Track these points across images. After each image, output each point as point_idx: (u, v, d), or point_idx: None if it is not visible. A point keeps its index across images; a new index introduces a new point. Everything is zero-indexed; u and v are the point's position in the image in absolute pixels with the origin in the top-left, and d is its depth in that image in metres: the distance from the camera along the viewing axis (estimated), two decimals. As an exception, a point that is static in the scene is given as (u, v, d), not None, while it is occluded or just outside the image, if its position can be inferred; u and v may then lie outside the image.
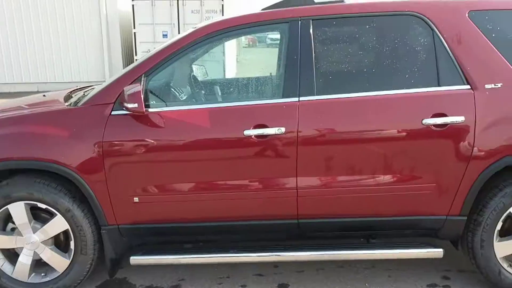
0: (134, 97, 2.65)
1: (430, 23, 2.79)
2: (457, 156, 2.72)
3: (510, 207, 2.77)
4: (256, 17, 2.91)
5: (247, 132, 2.71)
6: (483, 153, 2.71)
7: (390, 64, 2.84)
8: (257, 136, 2.72)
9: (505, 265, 2.88)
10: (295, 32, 2.82)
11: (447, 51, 2.76)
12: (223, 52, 9.19)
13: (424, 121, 2.69)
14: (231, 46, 10.77)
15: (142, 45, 11.54)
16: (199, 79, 3.69)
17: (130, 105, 2.65)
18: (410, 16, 2.83)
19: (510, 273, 2.88)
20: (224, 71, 9.52)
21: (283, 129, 2.71)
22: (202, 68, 3.82)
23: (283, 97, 2.78)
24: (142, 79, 2.79)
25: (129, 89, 2.66)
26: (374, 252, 2.88)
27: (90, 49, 12.28)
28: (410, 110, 2.73)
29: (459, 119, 2.69)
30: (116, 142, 2.73)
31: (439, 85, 2.76)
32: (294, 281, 3.12)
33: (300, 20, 2.83)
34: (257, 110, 2.78)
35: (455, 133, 2.70)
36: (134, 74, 2.83)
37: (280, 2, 3.04)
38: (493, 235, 2.82)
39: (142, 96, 2.65)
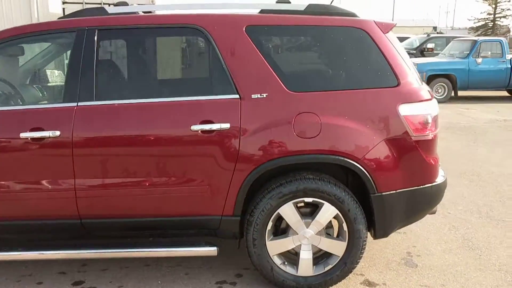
0: None
1: (209, 35, 2.99)
2: (225, 160, 2.92)
3: (278, 208, 2.98)
4: (47, 26, 3.07)
5: (23, 135, 2.84)
6: (247, 158, 2.91)
7: (169, 73, 3.03)
8: (33, 139, 2.85)
9: (278, 262, 3.09)
10: (80, 40, 2.98)
11: (222, 63, 2.97)
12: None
13: (192, 127, 2.88)
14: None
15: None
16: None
17: None
18: (192, 28, 3.03)
19: (283, 270, 3.09)
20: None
21: (57, 133, 2.86)
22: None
23: (63, 101, 2.93)
24: None
25: None
26: (151, 250, 3.04)
27: (20, 52, 12.16)
28: (180, 116, 2.92)
29: (225, 126, 2.89)
30: None
31: (212, 94, 2.97)
32: (91, 279, 3.26)
33: (87, 29, 2.99)
34: (35, 114, 2.92)
35: (222, 139, 2.90)
36: None
37: (78, 11, 3.20)
38: (265, 234, 3.02)
39: None
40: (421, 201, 3.14)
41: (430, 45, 15.09)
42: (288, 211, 3.00)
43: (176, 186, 2.96)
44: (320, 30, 3.10)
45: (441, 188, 3.20)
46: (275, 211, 2.99)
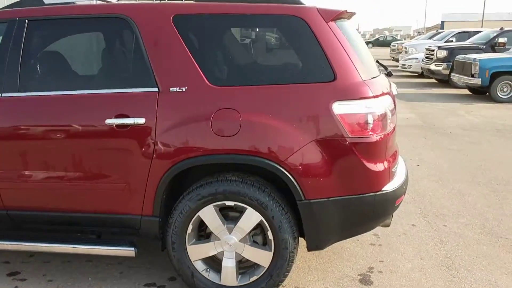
0: None
1: (134, 25, 2.84)
2: (141, 157, 2.76)
3: (198, 211, 2.78)
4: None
5: None
6: (163, 155, 2.73)
7: (91, 64, 2.93)
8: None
9: (200, 268, 2.88)
10: (10, 31, 2.97)
11: (144, 54, 2.81)
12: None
13: (106, 121, 2.75)
14: None
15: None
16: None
17: None
18: (119, 18, 2.89)
19: (205, 277, 2.88)
20: None
21: (-22, 123, 2.86)
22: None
23: (-14, 92, 2.94)
24: None
25: None
26: (70, 246, 2.93)
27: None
28: (97, 109, 2.80)
29: (140, 121, 2.73)
30: None
31: (132, 87, 2.82)
32: (28, 271, 3.26)
33: (17, 20, 2.97)
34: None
35: (137, 134, 2.75)
36: None
37: (16, 2, 3.19)
38: (185, 238, 2.83)
39: None
40: (361, 212, 2.77)
41: (502, 40, 13.75)
42: (208, 215, 2.78)
43: (93, 182, 2.85)
44: (253, 19, 2.83)
45: (388, 198, 2.80)
46: (195, 214, 2.79)
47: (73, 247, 2.93)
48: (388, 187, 2.80)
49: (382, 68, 3.52)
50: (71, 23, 2.98)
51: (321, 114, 2.65)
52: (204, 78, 2.73)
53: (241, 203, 2.73)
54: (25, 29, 2.94)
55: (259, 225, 2.79)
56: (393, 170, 2.89)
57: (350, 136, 2.64)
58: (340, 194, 2.70)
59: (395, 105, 3.22)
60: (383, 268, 3.32)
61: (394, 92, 3.28)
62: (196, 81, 2.73)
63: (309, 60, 2.75)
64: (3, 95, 2.90)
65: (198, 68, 2.75)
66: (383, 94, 2.82)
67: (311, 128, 2.65)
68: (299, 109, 2.66)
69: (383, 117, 2.74)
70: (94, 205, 2.90)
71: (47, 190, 2.91)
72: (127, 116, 2.75)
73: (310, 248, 2.82)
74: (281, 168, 2.64)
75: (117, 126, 2.75)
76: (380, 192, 2.75)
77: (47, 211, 2.97)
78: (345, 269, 3.30)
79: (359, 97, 2.66)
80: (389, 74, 3.45)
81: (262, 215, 2.72)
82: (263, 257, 2.80)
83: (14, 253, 3.47)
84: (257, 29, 2.84)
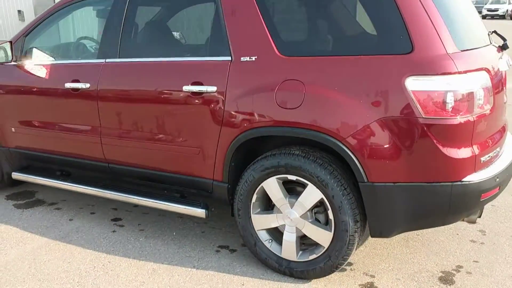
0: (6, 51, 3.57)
1: (217, -5, 2.89)
2: (212, 123, 2.85)
3: (262, 181, 2.77)
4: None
5: (68, 85, 3.35)
6: (231, 123, 2.78)
7: (172, 33, 3.08)
8: (73, 89, 3.33)
9: (264, 238, 2.89)
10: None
11: (222, 22, 2.85)
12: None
13: (184, 88, 2.89)
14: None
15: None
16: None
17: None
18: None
19: (267, 247, 2.88)
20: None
21: (88, 85, 3.26)
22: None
23: (97, 58, 3.31)
24: (23, 39, 3.66)
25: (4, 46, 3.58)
26: (150, 200, 3.20)
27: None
28: (175, 76, 2.96)
29: (212, 88, 2.81)
30: (-1, 85, 3.69)
31: (209, 55, 2.90)
32: (128, 219, 3.67)
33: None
34: (75, 68, 3.37)
35: (209, 101, 2.84)
36: (18, 35, 3.71)
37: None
38: (250, 207, 2.87)
39: (10, 51, 3.55)
40: (434, 203, 2.45)
41: None
42: (271, 187, 2.77)
43: (172, 144, 3.05)
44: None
45: (471, 191, 2.43)
46: (259, 185, 2.80)
47: (153, 202, 3.20)
48: (472, 178, 2.43)
49: (498, 40, 3.01)
50: None
51: (392, 89, 2.39)
52: (274, 47, 2.67)
53: (303, 178, 2.65)
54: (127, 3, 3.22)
55: (323, 203, 2.68)
56: (483, 158, 2.48)
57: (424, 116, 2.34)
58: (409, 180, 2.43)
59: (503, 82, 2.75)
60: (474, 269, 2.92)
61: (505, 67, 2.78)
62: (266, 50, 2.69)
63: (385, 29, 2.48)
64: (107, 60, 3.25)
65: (270, 37, 2.69)
66: (476, 69, 2.42)
67: (380, 105, 2.41)
68: (368, 83, 2.44)
69: (471, 96, 2.36)
70: (173, 166, 3.11)
71: (136, 149, 3.21)
72: (201, 84, 2.85)
73: (373, 234, 2.62)
74: (343, 146, 2.48)
75: (193, 93, 2.87)
76: (459, 183, 2.40)
77: (136, 167, 3.27)
78: (428, 263, 2.99)
79: (439, 72, 2.33)
80: (503, 47, 2.92)
81: (323, 193, 2.61)
82: (322, 236, 2.69)
83: (122, 202, 3.92)
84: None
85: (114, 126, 3.25)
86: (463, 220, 2.67)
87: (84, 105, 3.32)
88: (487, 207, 3.78)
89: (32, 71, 3.57)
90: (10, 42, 3.64)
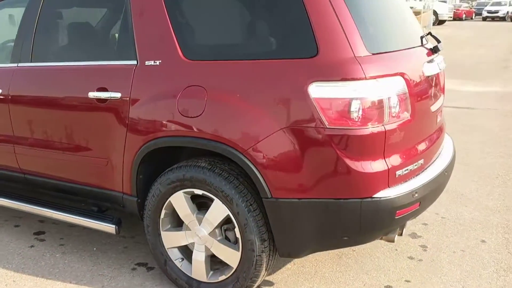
0: None
1: (126, -6, 2.69)
2: (117, 133, 2.64)
3: (169, 196, 2.56)
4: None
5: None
6: (135, 134, 2.57)
7: (83, 36, 2.89)
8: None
9: (174, 257, 2.67)
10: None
11: (130, 24, 2.64)
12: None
13: (89, 94, 2.68)
14: None
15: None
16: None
17: None
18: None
19: (177, 267, 2.67)
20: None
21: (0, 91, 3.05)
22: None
23: (11, 62, 3.10)
24: None
25: None
26: (59, 213, 2.99)
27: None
28: (81, 82, 2.75)
29: (116, 95, 2.60)
30: None
31: (115, 59, 2.70)
32: (52, 232, 3.46)
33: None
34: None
35: (114, 109, 2.63)
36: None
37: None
38: (159, 223, 2.65)
39: None
40: (343, 221, 2.24)
41: None
42: (178, 202, 2.56)
43: (81, 154, 2.84)
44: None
45: (383, 208, 2.20)
46: (167, 199, 2.58)
47: (62, 215, 2.99)
48: (384, 194, 2.20)
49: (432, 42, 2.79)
50: None
51: (295, 97, 2.17)
52: (180, 50, 2.46)
53: (209, 193, 2.43)
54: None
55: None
56: (399, 172, 2.26)
57: (328, 126, 2.13)
58: (316, 196, 2.21)
59: (433, 86, 2.54)
60: (403, 290, 2.70)
61: (434, 70, 2.58)
62: (170, 54, 2.48)
63: (291, 30, 2.27)
64: (19, 65, 3.04)
65: (175, 39, 2.48)
66: (389, 74, 2.20)
67: (283, 114, 2.20)
68: (270, 90, 2.23)
69: (381, 104, 2.14)
70: (84, 177, 2.90)
71: (48, 159, 2.99)
72: (106, 90, 2.64)
73: (281, 255, 2.40)
74: (244, 158, 2.26)
75: (98, 99, 2.66)
76: (369, 199, 2.18)
77: (49, 178, 3.05)
78: (355, 283, 2.77)
79: (344, 77, 2.11)
80: (434, 50, 2.71)
81: (229, 209, 2.39)
82: (230, 256, 2.48)
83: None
84: None
85: (25, 135, 3.04)
86: (381, 239, 2.45)
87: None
88: (436, 219, 3.56)
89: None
90: None
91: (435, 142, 2.66)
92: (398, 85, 2.24)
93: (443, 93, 2.92)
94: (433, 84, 2.67)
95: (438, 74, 2.75)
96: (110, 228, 2.81)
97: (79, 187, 2.95)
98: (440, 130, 2.82)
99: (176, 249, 2.69)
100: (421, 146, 2.47)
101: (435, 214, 3.65)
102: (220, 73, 2.35)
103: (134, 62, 2.58)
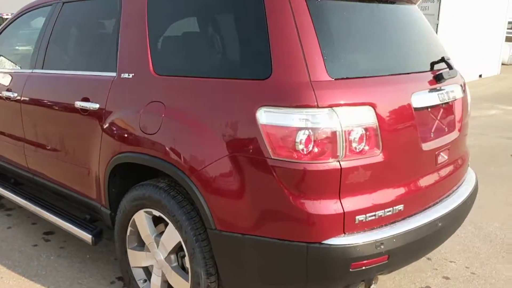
0: None
1: (119, 3, 2.67)
2: (95, 143, 2.63)
3: (133, 214, 2.47)
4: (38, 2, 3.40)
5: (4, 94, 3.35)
6: (107, 146, 2.53)
7: (76, 46, 2.97)
8: (6, 98, 3.31)
9: (138, 277, 2.57)
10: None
11: (116, 35, 2.62)
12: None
13: (75, 103, 2.70)
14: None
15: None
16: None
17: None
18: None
19: (139, 287, 2.56)
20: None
21: (15, 94, 3.22)
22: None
23: (28, 68, 3.26)
24: None
25: None
26: (47, 214, 3.08)
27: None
28: (71, 91, 2.79)
29: (95, 106, 2.59)
30: None
31: (100, 70, 2.69)
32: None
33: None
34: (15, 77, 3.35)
35: (93, 120, 2.62)
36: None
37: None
38: (125, 240, 2.57)
39: None
40: (288, 265, 1.96)
41: None
42: (139, 221, 2.46)
43: (69, 160, 2.89)
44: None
45: (334, 256, 1.89)
46: (132, 216, 2.49)
47: (48, 215, 3.05)
48: (337, 241, 1.89)
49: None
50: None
51: (243, 121, 1.97)
52: (150, 64, 2.38)
53: (165, 215, 2.30)
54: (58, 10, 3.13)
55: (187, 247, 2.30)
56: (361, 217, 1.93)
57: (273, 157, 1.88)
58: (260, 233, 1.97)
59: (440, 117, 2.20)
60: None
61: (431, 100, 2.20)
62: (142, 67, 2.41)
63: (249, 48, 2.07)
64: (34, 71, 3.19)
65: (149, 53, 2.40)
66: (353, 103, 1.91)
67: (231, 138, 2.00)
68: (221, 111, 2.05)
69: (335, 137, 1.85)
70: (73, 184, 2.93)
71: (47, 163, 3.09)
72: (88, 100, 2.64)
73: None
74: (190, 183, 2.10)
75: (81, 109, 2.67)
76: (317, 245, 1.89)
77: (49, 181, 3.14)
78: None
79: (293, 104, 1.86)
80: (437, 78, 2.29)
81: (180, 236, 2.24)
82: (181, 286, 2.31)
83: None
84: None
85: (31, 137, 3.17)
86: (341, 292, 2.11)
87: (15, 114, 3.28)
88: (463, 274, 3.05)
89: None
90: None
91: (433, 185, 2.26)
92: (364, 117, 1.92)
93: (458, 128, 2.48)
94: (435, 117, 2.28)
95: (446, 105, 2.35)
96: (87, 237, 2.79)
97: (69, 193, 2.99)
98: (448, 171, 2.39)
99: (141, 270, 2.59)
100: (400, 190, 2.09)
101: (465, 267, 3.13)
102: (178, 90, 2.22)
103: (114, 74, 2.55)
